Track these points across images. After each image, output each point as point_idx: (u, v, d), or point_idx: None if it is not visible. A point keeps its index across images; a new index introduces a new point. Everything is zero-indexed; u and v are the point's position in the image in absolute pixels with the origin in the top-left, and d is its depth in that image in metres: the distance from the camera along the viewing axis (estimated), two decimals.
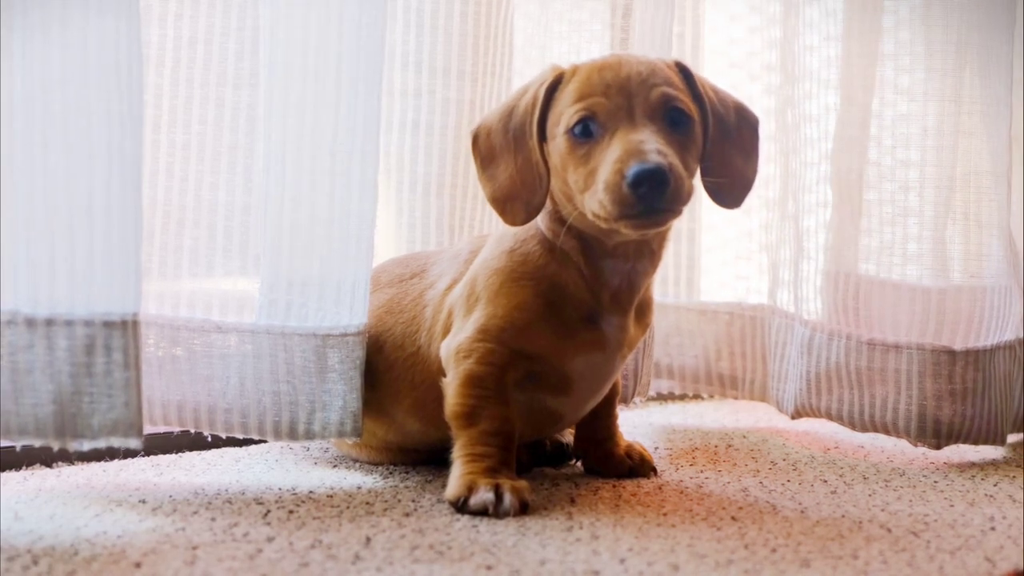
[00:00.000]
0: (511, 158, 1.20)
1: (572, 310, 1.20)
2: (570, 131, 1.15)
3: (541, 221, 1.22)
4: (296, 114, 1.24)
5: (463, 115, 1.53)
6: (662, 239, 1.23)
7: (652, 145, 1.10)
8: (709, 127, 1.20)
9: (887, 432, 1.50)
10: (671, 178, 1.08)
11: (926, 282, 1.52)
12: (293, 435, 1.26)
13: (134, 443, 1.11)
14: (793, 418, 1.59)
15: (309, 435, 1.26)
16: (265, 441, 1.43)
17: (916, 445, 1.50)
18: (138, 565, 0.96)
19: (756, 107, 1.68)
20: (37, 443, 1.09)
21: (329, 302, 1.26)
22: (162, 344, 1.26)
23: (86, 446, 1.10)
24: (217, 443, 1.43)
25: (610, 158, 1.10)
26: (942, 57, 1.50)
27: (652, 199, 1.08)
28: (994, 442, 1.50)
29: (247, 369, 1.26)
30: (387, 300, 1.32)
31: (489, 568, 0.97)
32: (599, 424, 1.34)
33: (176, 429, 1.29)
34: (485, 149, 1.22)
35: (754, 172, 1.25)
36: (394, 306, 1.31)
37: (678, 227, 1.74)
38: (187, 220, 1.29)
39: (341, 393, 1.26)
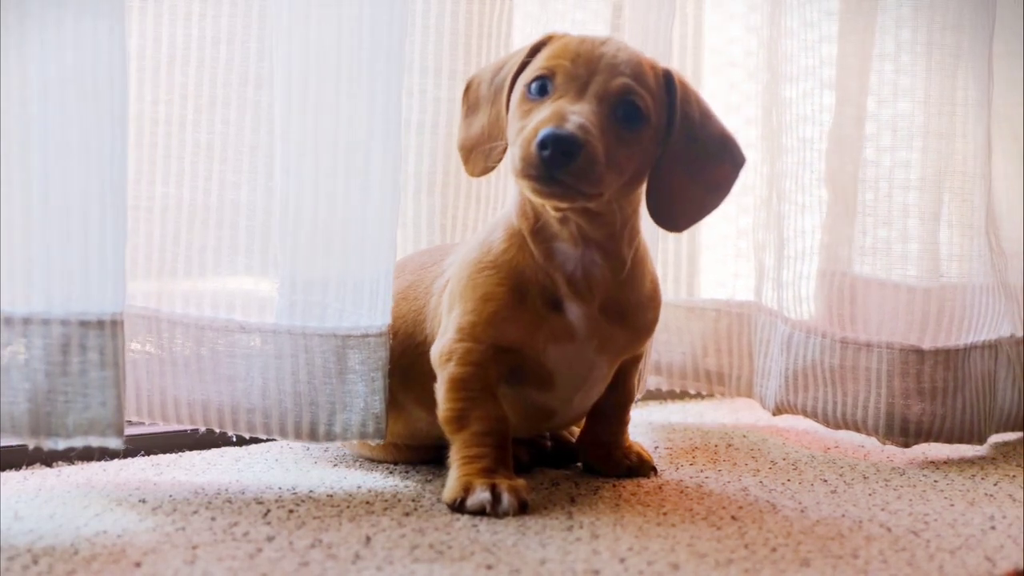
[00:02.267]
0: (487, 110, 1.22)
1: (535, 296, 1.20)
2: (527, 86, 1.16)
3: (513, 206, 1.23)
4: (315, 114, 1.25)
5: (454, 114, 1.53)
6: (611, 235, 1.20)
7: (577, 118, 1.09)
8: (672, 142, 1.18)
9: (857, 430, 1.52)
10: (581, 152, 1.07)
11: (895, 279, 1.53)
12: (314, 436, 1.26)
13: (113, 443, 1.11)
14: (774, 415, 1.61)
15: (330, 436, 1.27)
16: (268, 440, 1.43)
17: (884, 443, 1.51)
18: (138, 564, 0.96)
19: (753, 105, 1.70)
20: (12, 441, 1.10)
21: (349, 303, 1.26)
22: (188, 344, 1.27)
23: (61, 445, 1.09)
24: (217, 442, 1.43)
25: (537, 118, 1.11)
26: (938, 57, 1.51)
27: (553, 166, 1.07)
28: (970, 441, 1.51)
29: (269, 369, 1.26)
30: (405, 287, 1.33)
31: (489, 568, 0.97)
32: (606, 428, 1.34)
33: (202, 428, 1.29)
34: (472, 99, 1.25)
35: (712, 207, 1.23)
36: (409, 294, 1.32)
37: None
38: (211, 220, 1.29)
39: (362, 394, 1.26)
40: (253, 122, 1.29)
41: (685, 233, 1.75)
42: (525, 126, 1.12)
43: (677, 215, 1.22)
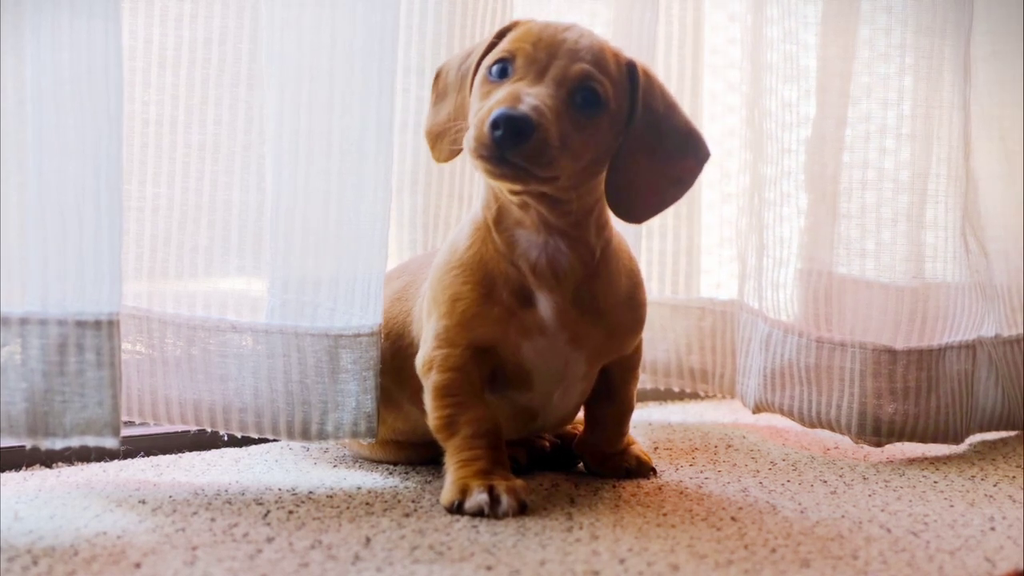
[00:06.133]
0: (454, 96, 1.22)
1: (503, 290, 1.19)
2: (488, 68, 1.15)
3: (480, 200, 1.22)
4: (308, 114, 1.25)
5: None
6: (576, 223, 1.18)
7: (532, 100, 1.09)
8: (633, 132, 1.17)
9: (831, 429, 1.53)
10: (534, 133, 1.07)
11: (871, 279, 1.54)
12: (306, 435, 1.27)
13: (109, 442, 1.11)
14: (754, 412, 1.62)
15: (323, 435, 1.27)
16: (268, 440, 1.43)
17: (858, 443, 1.52)
18: (138, 565, 0.96)
19: (749, 107, 1.70)
20: (9, 441, 1.10)
21: (341, 302, 1.27)
22: (179, 343, 1.27)
23: (58, 444, 1.10)
24: (217, 443, 1.43)
25: (494, 98, 1.10)
26: (914, 61, 1.53)
27: (504, 146, 1.07)
28: (945, 441, 1.52)
29: (261, 369, 1.26)
30: (400, 288, 1.33)
31: (489, 568, 0.97)
32: (604, 438, 1.33)
33: (193, 427, 1.30)
34: (441, 87, 1.25)
35: (672, 200, 1.23)
36: (402, 295, 1.32)
37: (652, 224, 1.74)
38: (203, 220, 1.29)
39: (354, 394, 1.26)
40: (245, 122, 1.30)
41: (672, 230, 1.76)
42: (483, 107, 1.12)
43: (635, 205, 1.20)
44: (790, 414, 1.56)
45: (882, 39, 1.53)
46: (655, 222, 1.74)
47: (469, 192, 1.55)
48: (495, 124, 1.06)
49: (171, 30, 1.28)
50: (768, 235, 1.60)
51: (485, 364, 1.21)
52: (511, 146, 1.07)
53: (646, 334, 1.72)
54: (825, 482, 1.34)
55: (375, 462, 1.39)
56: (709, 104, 1.78)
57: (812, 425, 1.55)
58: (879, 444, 1.51)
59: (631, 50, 1.51)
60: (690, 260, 1.78)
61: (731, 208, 1.77)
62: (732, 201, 1.76)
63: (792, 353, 1.54)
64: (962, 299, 1.56)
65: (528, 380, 1.22)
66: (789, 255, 1.59)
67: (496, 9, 1.55)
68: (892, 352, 1.50)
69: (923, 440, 1.51)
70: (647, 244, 1.74)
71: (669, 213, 1.74)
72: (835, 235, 1.56)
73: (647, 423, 1.69)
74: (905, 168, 1.53)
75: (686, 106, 1.69)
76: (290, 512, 1.14)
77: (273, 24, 1.26)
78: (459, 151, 1.18)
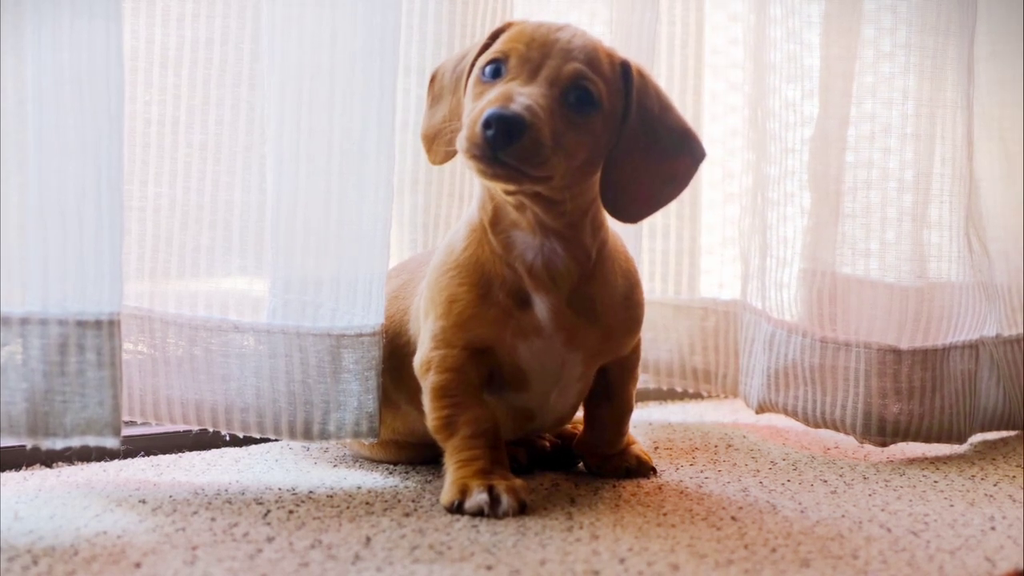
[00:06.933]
0: (450, 98, 1.21)
1: (500, 291, 1.19)
2: (481, 69, 1.15)
3: (476, 201, 1.22)
4: (309, 114, 1.25)
5: None
6: (571, 224, 1.18)
7: (524, 99, 1.08)
8: (628, 132, 1.17)
9: (836, 429, 1.53)
10: (526, 133, 1.06)
11: (873, 278, 1.54)
12: (308, 435, 1.27)
13: (110, 442, 1.11)
14: (757, 413, 1.62)
15: (324, 435, 1.27)
16: (268, 440, 1.44)
17: (862, 443, 1.52)
18: (138, 565, 0.96)
19: (752, 107, 1.70)
20: (10, 441, 1.11)
21: (343, 302, 1.27)
22: (181, 343, 1.27)
23: (59, 444, 1.10)
24: (218, 443, 1.43)
25: (487, 98, 1.10)
26: (920, 60, 1.52)
27: (497, 145, 1.06)
28: (949, 441, 1.52)
29: (263, 369, 1.27)
30: (398, 286, 1.33)
31: (489, 568, 0.97)
32: (603, 438, 1.33)
33: (195, 427, 1.30)
34: (437, 89, 1.24)
35: (668, 199, 1.23)
36: (400, 293, 1.32)
37: (655, 224, 1.74)
38: (204, 220, 1.30)
39: (356, 393, 1.27)
40: (247, 123, 1.30)
41: (674, 230, 1.76)
42: (475, 107, 1.11)
43: (630, 205, 1.20)
44: (794, 414, 1.56)
45: (886, 38, 1.53)
46: (657, 222, 1.74)
47: (469, 192, 1.55)
48: (487, 124, 1.06)
49: (173, 30, 1.28)
50: (771, 235, 1.60)
51: (483, 365, 1.21)
52: (503, 145, 1.07)
53: (648, 334, 1.73)
54: (825, 482, 1.34)
55: (375, 462, 1.39)
56: (710, 104, 1.79)
57: (817, 425, 1.55)
58: (884, 444, 1.51)
59: (632, 50, 1.52)
60: (692, 260, 1.79)
61: (734, 208, 1.76)
62: (735, 201, 1.76)
63: (796, 353, 1.55)
64: (966, 299, 1.56)
65: (525, 381, 1.22)
66: (792, 255, 1.59)
67: (496, 9, 1.55)
68: (897, 352, 1.50)
69: (928, 440, 1.51)
70: (649, 244, 1.74)
71: (671, 213, 1.75)
72: (839, 235, 1.56)
73: (647, 423, 1.69)
74: (909, 167, 1.53)
75: (687, 106, 1.70)
76: (290, 512, 1.14)
77: (274, 24, 1.26)
78: (454, 153, 1.17)
